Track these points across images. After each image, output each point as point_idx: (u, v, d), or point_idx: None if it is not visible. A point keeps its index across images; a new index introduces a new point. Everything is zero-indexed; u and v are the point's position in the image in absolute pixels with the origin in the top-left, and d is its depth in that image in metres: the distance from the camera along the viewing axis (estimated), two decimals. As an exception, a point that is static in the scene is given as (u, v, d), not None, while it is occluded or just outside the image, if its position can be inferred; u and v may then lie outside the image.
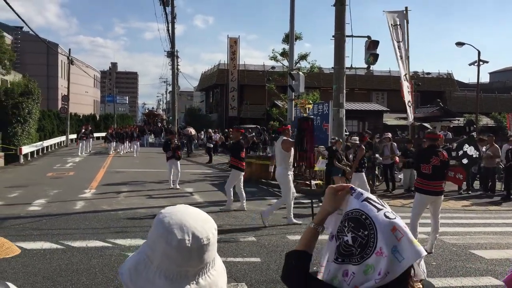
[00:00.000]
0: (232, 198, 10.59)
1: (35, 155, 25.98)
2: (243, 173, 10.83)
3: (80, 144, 27.69)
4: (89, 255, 6.61)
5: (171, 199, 12.02)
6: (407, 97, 16.26)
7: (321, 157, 14.23)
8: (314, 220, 1.40)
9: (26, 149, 23.71)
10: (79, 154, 26.43)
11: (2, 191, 12.69)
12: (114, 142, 29.63)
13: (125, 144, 29.69)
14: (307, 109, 10.27)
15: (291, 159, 9.24)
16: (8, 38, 43.69)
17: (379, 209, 1.22)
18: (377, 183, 15.21)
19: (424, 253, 1.18)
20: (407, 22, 16.28)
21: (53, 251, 6.79)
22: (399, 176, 15.73)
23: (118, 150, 29.42)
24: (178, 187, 13.93)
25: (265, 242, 7.59)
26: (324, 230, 1.38)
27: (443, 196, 7.29)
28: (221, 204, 11.31)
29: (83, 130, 28.40)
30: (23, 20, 18.65)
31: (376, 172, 15.32)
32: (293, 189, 9.42)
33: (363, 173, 11.45)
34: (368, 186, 11.26)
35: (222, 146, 14.46)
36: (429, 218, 7.50)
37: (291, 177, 9.32)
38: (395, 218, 1.21)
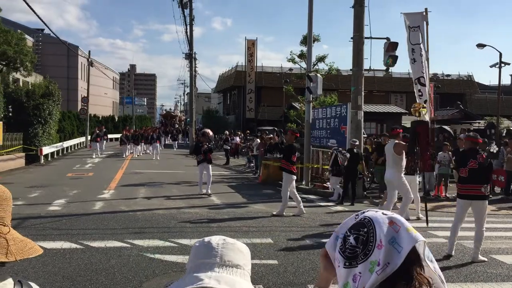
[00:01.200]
0: (287, 203, 10.36)
1: (55, 156, 26.39)
2: (295, 177, 10.73)
3: (93, 146, 27.32)
4: (108, 255, 6.67)
5: (188, 201, 12.08)
6: (418, 100, 16.04)
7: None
8: (316, 284, 1.45)
9: (46, 150, 24.09)
10: (94, 156, 26.13)
11: (23, 191, 12.90)
12: (130, 144, 28.93)
13: (140, 146, 29.12)
14: (421, 113, 10.18)
15: (404, 162, 9.38)
16: (30, 40, 44.44)
17: (376, 211, 1.27)
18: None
19: (421, 239, 1.18)
20: (427, 24, 16.08)
21: (72, 251, 6.87)
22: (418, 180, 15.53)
23: (132, 152, 28.81)
24: (209, 192, 13.15)
25: (282, 245, 7.57)
26: None
27: (486, 201, 7.07)
28: (238, 206, 11.35)
29: (97, 132, 27.91)
30: (44, 23, 18.95)
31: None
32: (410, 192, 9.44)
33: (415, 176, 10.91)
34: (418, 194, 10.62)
35: (275, 147, 13.95)
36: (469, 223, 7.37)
37: (404, 179, 9.40)
38: (392, 214, 1.24)
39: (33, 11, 15.43)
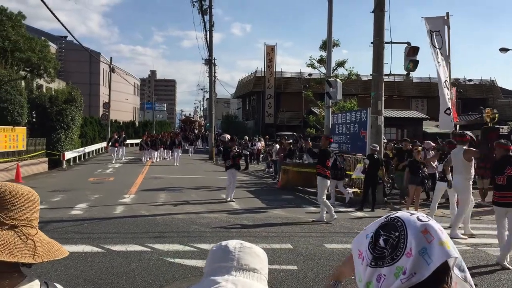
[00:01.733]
0: (331, 206, 10.28)
1: (77, 161, 26.78)
2: (329, 181, 10.72)
3: (111, 151, 26.87)
4: (129, 259, 6.73)
5: (208, 205, 12.12)
6: (447, 104, 15.83)
7: (359, 164, 14.07)
8: (332, 278, 1.50)
9: (69, 155, 24.47)
10: (113, 162, 25.62)
11: (46, 195, 13.11)
12: (149, 150, 27.99)
13: (159, 151, 28.47)
14: (495, 118, 10.07)
15: (473, 170, 9.21)
16: (53, 47, 45.31)
17: (412, 214, 1.21)
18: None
19: (454, 255, 1.14)
20: (449, 28, 15.92)
21: (94, 254, 6.96)
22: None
23: (151, 158, 27.71)
24: (233, 200, 12.87)
25: (302, 250, 7.53)
26: (341, 286, 1.48)
27: None
28: (258, 211, 11.36)
29: (115, 137, 27.32)
30: (67, 30, 19.37)
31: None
32: (472, 201, 9.29)
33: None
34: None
35: (308, 152, 13.71)
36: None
37: (471, 188, 9.23)
38: (428, 221, 1.18)
39: (57, 18, 15.74)
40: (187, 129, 54.84)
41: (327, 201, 10.39)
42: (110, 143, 27.98)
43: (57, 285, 1.44)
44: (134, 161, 27.92)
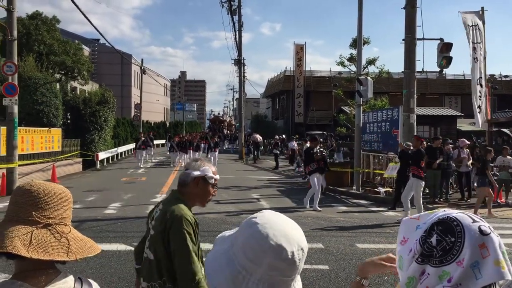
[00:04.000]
0: (422, 208, 10.10)
1: (110, 161, 27.30)
2: (423, 183, 10.56)
3: (138, 155, 24.38)
4: (161, 258, 6.80)
5: (238, 205, 12.16)
6: (478, 102, 15.43)
7: (391, 163, 13.86)
8: (358, 273, 1.49)
9: (102, 155, 24.97)
10: (140, 165, 23.58)
11: (81, 195, 13.41)
12: (179, 153, 25.70)
13: (189, 154, 25.73)
14: None
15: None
16: (86, 50, 46.37)
17: (474, 221, 1.15)
18: (451, 192, 14.54)
19: (509, 277, 1.09)
20: (484, 23, 15.52)
21: (127, 253, 7.07)
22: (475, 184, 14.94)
23: (180, 161, 25.51)
24: (318, 208, 11.58)
25: (334, 250, 7.46)
26: (367, 283, 1.47)
27: None
28: (288, 210, 11.29)
29: (142, 139, 24.72)
30: (100, 33, 19.75)
31: (451, 180, 14.64)
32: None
33: None
34: None
35: (401, 154, 12.89)
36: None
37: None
38: (489, 234, 1.12)
39: (90, 22, 16.09)
40: (216, 129, 54.15)
41: (421, 205, 10.17)
42: (136, 146, 25.16)
43: (91, 281, 1.46)
44: (159, 166, 25.63)
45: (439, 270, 1.12)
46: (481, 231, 1.11)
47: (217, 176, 2.73)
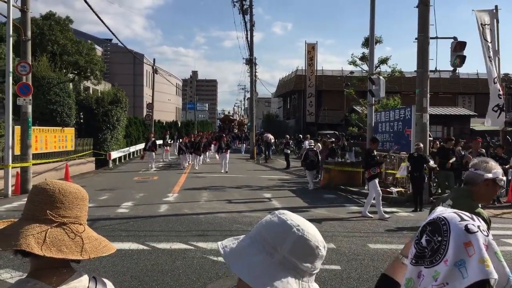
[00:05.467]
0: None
1: (122, 160, 27.47)
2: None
3: (148, 157, 22.52)
4: (173, 257, 6.84)
5: (249, 204, 12.16)
6: (496, 101, 15.25)
7: (403, 163, 13.76)
8: (401, 252, 1.53)
9: (114, 154, 25.14)
10: (152, 167, 22.03)
11: (94, 194, 13.52)
12: (191, 154, 24.01)
13: (199, 155, 24.42)
14: None
15: None
16: (99, 50, 46.71)
17: (462, 219, 1.14)
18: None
19: (493, 277, 1.07)
20: (497, 22, 15.35)
21: (140, 252, 7.11)
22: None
23: (190, 163, 24.38)
24: (385, 216, 10.55)
25: (345, 250, 7.43)
26: (405, 260, 1.47)
27: None
28: (299, 210, 11.26)
29: (152, 139, 22.92)
30: (112, 33, 19.88)
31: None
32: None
33: None
34: None
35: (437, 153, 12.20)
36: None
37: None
38: (476, 232, 1.12)
39: (102, 22, 16.20)
40: (226, 129, 53.29)
41: None
42: (146, 148, 23.33)
43: (105, 280, 1.47)
44: (168, 167, 23.98)
45: (431, 270, 1.13)
46: (467, 230, 1.12)
47: (504, 178, 2.90)
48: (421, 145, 12.03)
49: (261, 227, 1.13)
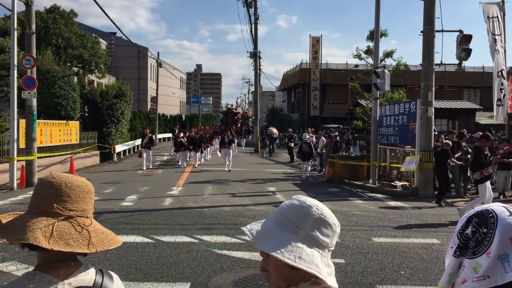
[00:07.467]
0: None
1: (126, 153, 27.54)
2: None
3: (145, 154, 20.03)
4: (178, 250, 6.86)
5: (253, 198, 12.17)
6: (499, 95, 15.17)
7: (408, 157, 13.74)
8: None
9: (119, 148, 25.22)
10: (145, 168, 19.46)
11: (99, 187, 13.56)
12: (191, 151, 22.00)
13: (200, 152, 22.34)
14: None
15: None
16: (103, 44, 46.69)
17: (511, 214, 1.13)
18: (469, 186, 14.35)
19: None
20: (504, 14, 15.23)
21: (144, 245, 7.14)
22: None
23: (190, 161, 22.71)
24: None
25: (349, 243, 7.43)
26: None
27: None
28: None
29: (149, 135, 20.94)
30: (117, 26, 19.99)
31: (469, 174, 14.45)
32: None
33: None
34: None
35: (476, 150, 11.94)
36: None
37: None
38: None
39: (107, 15, 16.19)
40: (228, 122, 49.13)
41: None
42: (143, 145, 20.97)
43: (111, 273, 1.47)
44: (164, 166, 21.59)
45: (473, 261, 1.11)
46: None
47: None
48: (449, 142, 12.09)
49: (283, 209, 1.27)
